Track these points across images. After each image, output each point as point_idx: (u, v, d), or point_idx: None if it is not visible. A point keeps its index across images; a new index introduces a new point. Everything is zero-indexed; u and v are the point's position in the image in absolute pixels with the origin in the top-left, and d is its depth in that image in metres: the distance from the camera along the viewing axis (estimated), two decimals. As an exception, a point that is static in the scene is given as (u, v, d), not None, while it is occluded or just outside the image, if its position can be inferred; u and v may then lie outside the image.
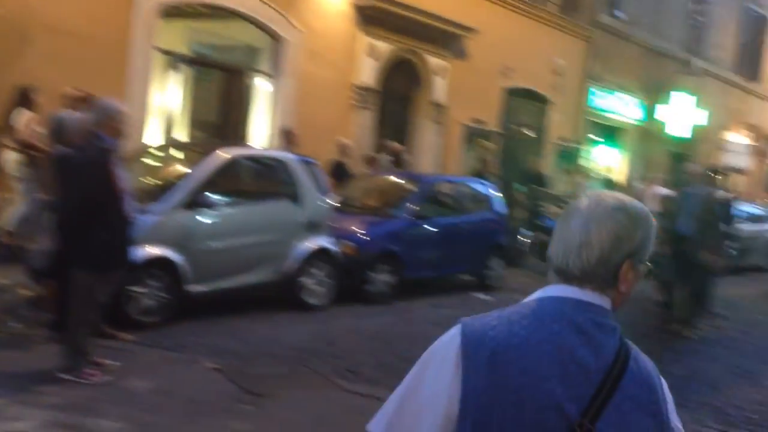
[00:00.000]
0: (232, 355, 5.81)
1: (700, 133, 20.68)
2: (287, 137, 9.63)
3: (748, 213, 14.97)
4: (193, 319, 6.58)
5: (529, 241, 11.94)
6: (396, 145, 11.94)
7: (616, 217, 1.44)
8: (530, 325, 1.42)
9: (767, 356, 7.70)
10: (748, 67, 23.29)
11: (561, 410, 1.34)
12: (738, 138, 22.61)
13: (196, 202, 6.54)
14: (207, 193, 6.67)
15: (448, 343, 1.49)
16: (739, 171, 22.86)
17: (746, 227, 14.37)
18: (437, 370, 1.46)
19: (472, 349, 1.42)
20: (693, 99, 18.71)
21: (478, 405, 1.36)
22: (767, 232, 14.26)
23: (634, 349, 1.44)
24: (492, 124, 14.75)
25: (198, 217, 6.57)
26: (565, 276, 1.46)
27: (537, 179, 13.43)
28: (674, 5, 19.48)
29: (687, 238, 7.97)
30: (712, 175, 9.24)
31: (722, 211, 9.00)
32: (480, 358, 1.40)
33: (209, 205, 6.63)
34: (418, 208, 8.92)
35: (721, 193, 9.71)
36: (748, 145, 22.64)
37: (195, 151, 7.83)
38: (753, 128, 23.38)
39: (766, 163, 24.35)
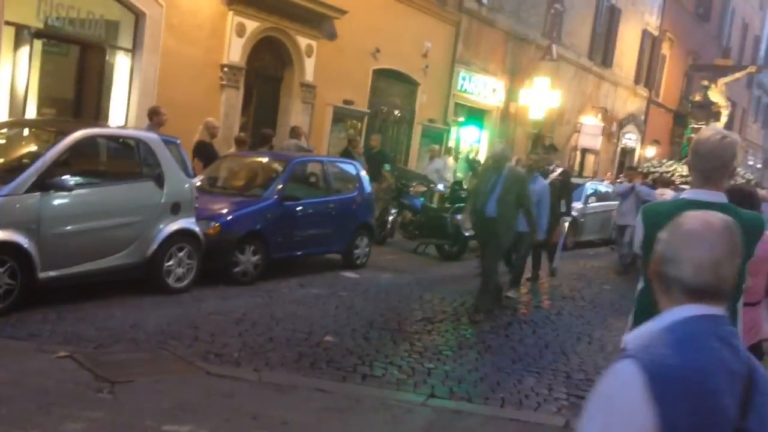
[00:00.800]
0: (89, 342, 5.62)
1: (558, 115, 21.82)
2: (154, 116, 9.31)
3: (595, 190, 16.02)
4: (48, 306, 6.29)
5: (394, 219, 12.25)
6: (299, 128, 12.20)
7: (733, 237, 1.67)
8: (698, 349, 1.51)
9: (611, 324, 8.29)
10: (602, 54, 24.75)
11: (729, 417, 1.48)
12: (591, 120, 24.02)
13: (47, 184, 6.21)
14: (60, 175, 6.35)
15: (627, 383, 1.48)
16: (592, 151, 24.34)
17: (593, 204, 15.42)
18: (624, 416, 1.45)
19: (660, 384, 1.44)
20: (547, 82, 19.69)
21: None
22: (609, 207, 15.25)
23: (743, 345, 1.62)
24: (361, 105, 14.89)
25: (49, 200, 6.25)
26: (699, 294, 1.60)
27: (380, 157, 13.70)
28: (535, -7, 20.34)
29: (491, 219, 7.70)
30: (536, 154, 9.98)
31: (558, 189, 9.90)
32: (672, 392, 1.44)
33: (62, 186, 6.31)
34: (285, 188, 8.91)
35: (553, 172, 10.63)
36: (600, 127, 24.10)
37: (47, 129, 7.43)
38: (604, 111, 24.92)
39: (614, 143, 26.05)
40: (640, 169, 15.72)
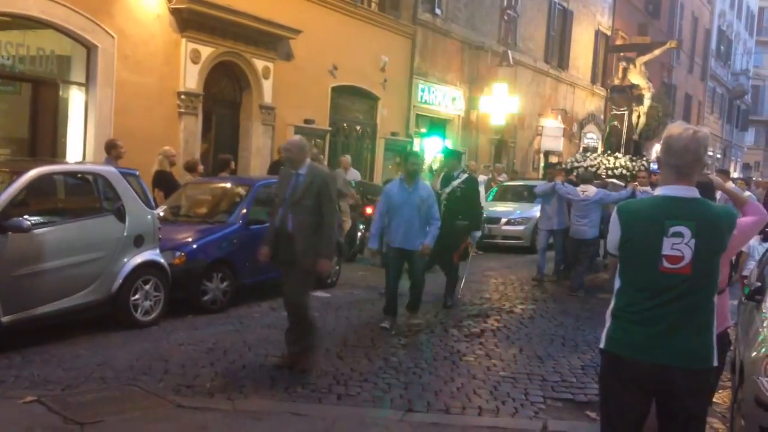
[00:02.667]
0: (57, 384, 5.48)
1: (519, 120, 22.04)
2: (111, 149, 9.21)
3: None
4: (12, 350, 6.15)
5: (362, 235, 12.22)
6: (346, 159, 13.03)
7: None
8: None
9: (584, 326, 8.34)
10: (558, 57, 25.09)
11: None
12: (552, 122, 24.30)
13: (3, 226, 6.06)
14: (17, 215, 6.23)
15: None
16: (554, 153, 24.57)
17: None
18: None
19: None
20: (505, 87, 19.92)
21: None
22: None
23: None
24: (322, 123, 14.90)
25: (7, 242, 6.12)
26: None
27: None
28: (487, 2, 20.58)
29: (288, 235, 6.15)
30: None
31: (459, 198, 8.80)
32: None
33: (19, 227, 6.18)
34: (250, 212, 8.85)
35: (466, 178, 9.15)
36: (561, 128, 24.39)
37: (1, 170, 7.28)
38: (564, 113, 25.23)
39: (576, 143, 26.36)
40: (562, 166, 14.82)
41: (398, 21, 17.00)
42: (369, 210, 10.90)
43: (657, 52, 16.55)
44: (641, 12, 31.01)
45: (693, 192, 2.96)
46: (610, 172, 13.48)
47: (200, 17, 11.73)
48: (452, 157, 9.73)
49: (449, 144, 19.81)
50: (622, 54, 16.46)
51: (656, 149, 33.08)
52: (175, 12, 11.44)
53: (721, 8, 43.91)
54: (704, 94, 42.59)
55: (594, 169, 13.56)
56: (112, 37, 10.58)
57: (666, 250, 2.89)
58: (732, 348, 5.54)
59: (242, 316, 8.01)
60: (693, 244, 2.87)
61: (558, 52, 25.08)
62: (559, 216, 11.21)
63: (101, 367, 5.94)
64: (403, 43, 17.38)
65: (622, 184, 12.28)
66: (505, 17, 20.91)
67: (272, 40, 13.24)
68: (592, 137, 28.32)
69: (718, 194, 4.40)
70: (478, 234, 10.48)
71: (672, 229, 2.89)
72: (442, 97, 19.04)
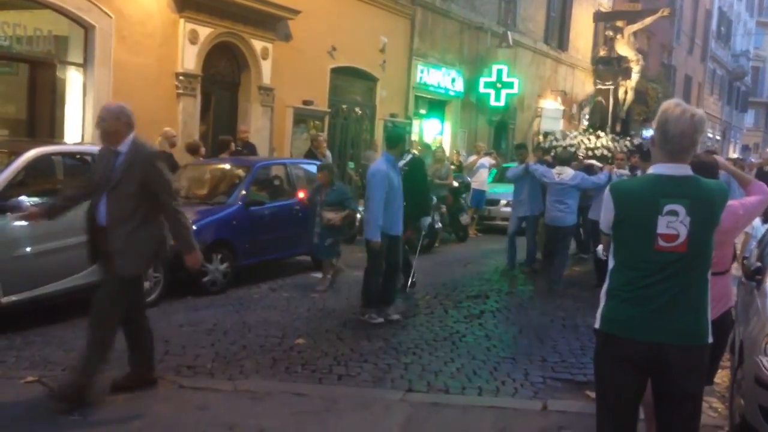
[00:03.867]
0: (57, 365, 5.50)
1: (518, 102, 21.95)
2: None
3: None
4: (13, 331, 6.17)
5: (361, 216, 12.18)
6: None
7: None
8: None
9: (585, 307, 8.33)
10: (558, 38, 24.95)
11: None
12: (551, 104, 24.21)
13: (2, 206, 6.06)
14: (16, 196, 6.21)
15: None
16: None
17: None
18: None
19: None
20: (505, 69, 19.80)
21: None
22: None
23: None
24: (321, 105, 14.84)
25: (6, 222, 6.11)
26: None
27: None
28: (487, -19, 20.43)
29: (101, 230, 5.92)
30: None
31: (406, 180, 7.58)
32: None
33: (18, 208, 6.15)
34: (249, 193, 8.84)
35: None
36: (561, 110, 24.30)
37: (-1, 151, 7.25)
38: (563, 94, 25.13)
39: (575, 125, 26.28)
40: (540, 145, 13.59)
41: (397, 1, 16.88)
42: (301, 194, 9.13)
43: (648, 20, 14.80)
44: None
45: (686, 170, 2.96)
46: (590, 153, 12.28)
47: (198, -3, 11.64)
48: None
49: (448, 126, 19.75)
50: (608, 24, 14.28)
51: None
52: (172, -9, 11.34)
53: (722, -12, 43.69)
54: (704, 75, 42.45)
55: (573, 149, 12.27)
56: (110, 17, 10.50)
57: (661, 228, 2.89)
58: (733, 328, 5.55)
59: (241, 297, 8.02)
60: (688, 222, 2.88)
61: (558, 33, 24.94)
62: (532, 201, 10.19)
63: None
64: (402, 23, 17.27)
65: (600, 165, 10.86)
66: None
67: (271, 20, 13.14)
68: (592, 119, 28.24)
69: (722, 174, 4.38)
70: (428, 221, 9.09)
71: (667, 207, 2.89)
72: (442, 78, 18.95)
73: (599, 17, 17.48)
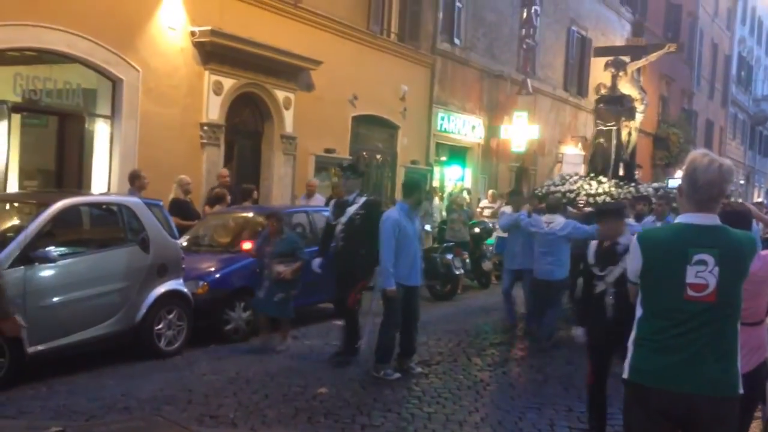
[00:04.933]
0: (81, 414, 5.51)
1: (539, 147, 22.02)
2: (135, 180, 9.37)
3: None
4: (38, 380, 6.21)
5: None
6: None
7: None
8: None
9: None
10: (577, 84, 25.11)
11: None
12: (572, 150, 24.23)
13: (31, 257, 6.18)
14: (44, 246, 6.32)
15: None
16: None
17: None
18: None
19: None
20: (525, 115, 19.93)
21: None
22: None
23: None
24: (343, 152, 15.00)
25: (34, 273, 6.21)
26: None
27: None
28: (506, 31, 20.71)
29: None
30: None
31: (358, 227, 7.33)
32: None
33: (46, 258, 6.28)
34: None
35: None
36: (582, 156, 24.29)
37: (28, 202, 7.41)
38: (584, 140, 25.15)
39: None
40: (537, 191, 12.68)
41: (417, 51, 17.15)
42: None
43: (653, 56, 13.74)
44: (660, 39, 30.97)
45: (715, 220, 2.96)
46: (591, 200, 11.19)
47: (223, 50, 11.91)
48: (352, 174, 7.72)
49: (469, 172, 19.82)
50: (611, 60, 13.18)
51: (679, 176, 32.69)
52: (198, 45, 11.63)
53: (741, 34, 43.81)
54: (726, 120, 42.32)
55: (573, 195, 11.63)
56: (137, 70, 10.77)
57: (690, 278, 2.88)
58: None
59: (264, 346, 8.01)
60: (717, 272, 2.87)
61: (577, 79, 25.10)
62: (527, 254, 8.99)
63: (125, 397, 5.96)
64: (422, 72, 17.51)
65: None
66: (524, 46, 20.99)
67: (293, 71, 13.40)
68: (613, 164, 28.20)
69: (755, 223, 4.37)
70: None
71: (696, 257, 2.88)
72: (462, 125, 19.10)
73: (600, 52, 15.89)
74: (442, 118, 18.26)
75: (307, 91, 13.88)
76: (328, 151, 14.52)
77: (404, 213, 6.95)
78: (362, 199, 7.46)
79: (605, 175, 12.12)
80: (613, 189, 11.51)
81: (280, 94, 13.29)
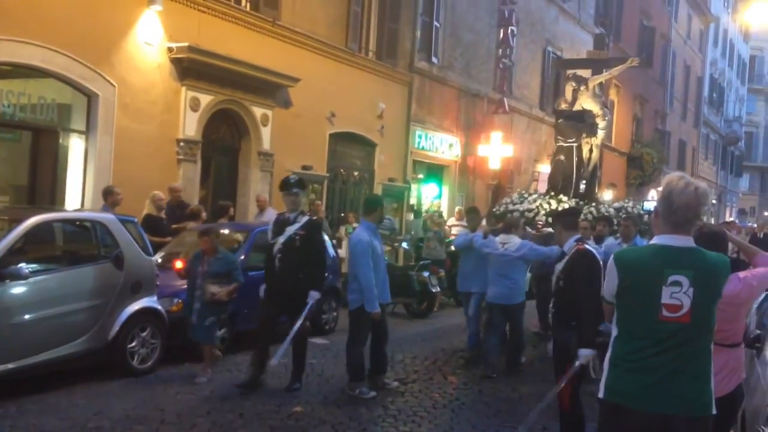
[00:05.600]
0: (51, 434, 5.43)
1: (515, 165, 22.20)
2: (108, 196, 9.28)
3: None
4: (7, 399, 6.09)
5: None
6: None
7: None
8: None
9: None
10: (552, 103, 25.36)
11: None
12: (548, 168, 24.43)
13: (2, 273, 6.08)
14: (15, 263, 6.23)
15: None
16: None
17: None
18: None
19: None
20: (500, 135, 20.14)
21: None
22: None
23: None
24: (320, 170, 15.00)
25: (5, 289, 6.12)
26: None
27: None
28: (483, 51, 20.91)
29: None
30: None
31: (298, 249, 6.84)
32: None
33: (17, 275, 6.19)
34: (248, 258, 8.85)
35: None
36: (558, 175, 24.54)
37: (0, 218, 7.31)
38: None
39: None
40: (495, 210, 12.09)
41: (395, 69, 17.25)
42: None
43: (615, 71, 13.10)
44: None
45: (690, 242, 3.01)
46: (550, 219, 10.52)
47: (200, 66, 11.89)
48: (298, 189, 7.09)
49: (446, 189, 19.92)
50: (571, 74, 12.61)
51: (652, 195, 33.09)
52: (175, 61, 11.59)
53: (713, 56, 44.66)
54: (698, 140, 43.01)
55: (532, 215, 11.16)
56: (113, 85, 10.71)
57: (665, 298, 2.92)
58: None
59: (239, 363, 7.93)
60: (691, 293, 2.91)
61: (553, 99, 25.32)
62: (478, 275, 8.47)
63: (97, 416, 5.88)
64: (400, 90, 17.61)
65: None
66: (501, 65, 21.20)
67: (271, 88, 13.41)
68: (588, 183, 28.49)
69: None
70: (317, 296, 6.88)
71: (671, 278, 2.92)
72: (439, 143, 19.20)
73: (559, 65, 15.36)
74: (420, 136, 18.35)
75: (284, 108, 13.88)
76: (305, 168, 14.51)
77: (372, 232, 6.96)
78: (304, 219, 6.92)
79: (566, 194, 11.62)
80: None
81: (258, 111, 13.28)
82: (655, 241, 3.07)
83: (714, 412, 2.97)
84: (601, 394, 3.07)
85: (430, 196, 19.56)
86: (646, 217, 10.88)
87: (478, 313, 8.75)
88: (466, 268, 8.77)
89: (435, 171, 19.76)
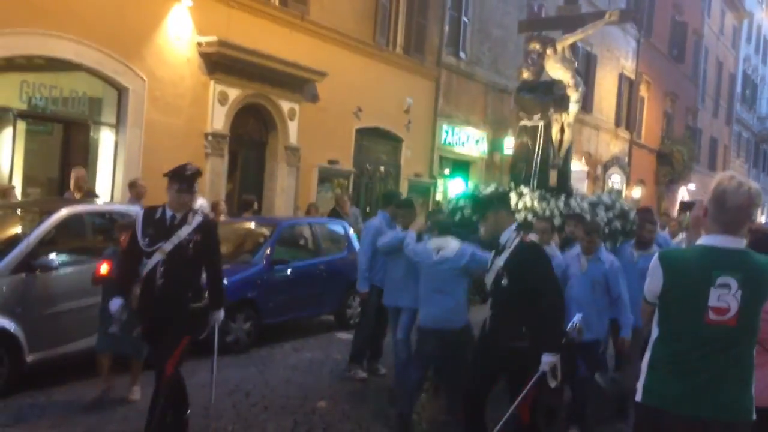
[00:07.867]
0: (79, 425, 5.50)
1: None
2: (132, 188, 9.39)
3: None
4: (36, 388, 6.19)
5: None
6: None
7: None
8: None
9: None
10: (582, 100, 25.13)
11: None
12: (576, 165, 24.23)
13: (32, 265, 6.18)
14: (45, 254, 6.33)
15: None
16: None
17: None
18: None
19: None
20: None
21: None
22: None
23: None
24: (346, 164, 15.02)
25: (35, 280, 6.21)
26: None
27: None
28: (511, 47, 20.75)
29: None
30: None
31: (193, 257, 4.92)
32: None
33: (47, 266, 6.28)
34: (274, 252, 8.89)
35: None
36: (585, 171, 24.33)
37: (31, 209, 7.42)
38: (588, 155, 25.20)
39: (600, 186, 26.26)
40: (439, 207, 10.00)
41: (422, 64, 17.20)
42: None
43: (590, 29, 9.51)
44: (665, 56, 31.09)
45: (740, 243, 2.91)
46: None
47: (229, 60, 11.96)
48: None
49: (472, 185, 19.83)
50: (535, 34, 9.73)
51: (682, 192, 32.54)
52: (204, 55, 11.68)
53: (746, 53, 43.89)
54: (730, 137, 42.33)
55: None
56: (143, 79, 10.81)
57: (713, 301, 2.83)
58: None
59: (264, 357, 7.99)
60: (739, 296, 2.82)
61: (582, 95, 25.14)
62: (408, 286, 6.43)
63: (124, 406, 5.94)
64: (427, 85, 17.56)
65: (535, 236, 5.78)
66: (529, 61, 21.01)
67: (298, 82, 13.45)
68: (616, 179, 28.21)
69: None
70: (221, 315, 5.41)
71: (719, 280, 2.83)
72: (466, 139, 19.12)
73: (523, 27, 11.14)
74: (446, 131, 18.28)
75: (311, 103, 13.91)
76: (331, 162, 14.55)
77: (385, 221, 7.29)
78: (198, 219, 5.05)
79: (527, 185, 8.62)
80: (536, 204, 7.96)
81: (285, 105, 13.33)
82: (702, 241, 2.97)
83: (754, 417, 2.91)
84: (638, 398, 2.99)
85: (456, 192, 19.47)
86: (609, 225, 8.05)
87: (408, 336, 6.62)
88: (395, 275, 6.68)
89: (461, 166, 19.68)
